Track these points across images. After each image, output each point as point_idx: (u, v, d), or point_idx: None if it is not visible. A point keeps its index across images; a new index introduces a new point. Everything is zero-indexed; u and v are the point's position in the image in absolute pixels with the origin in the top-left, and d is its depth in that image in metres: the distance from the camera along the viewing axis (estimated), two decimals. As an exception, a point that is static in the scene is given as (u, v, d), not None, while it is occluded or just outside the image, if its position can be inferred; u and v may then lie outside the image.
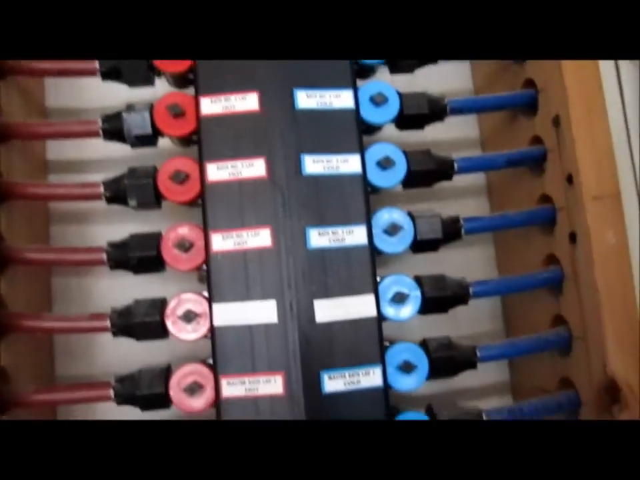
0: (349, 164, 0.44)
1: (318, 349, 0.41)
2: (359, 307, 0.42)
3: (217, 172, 0.43)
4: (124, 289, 0.48)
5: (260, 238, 0.42)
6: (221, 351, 0.41)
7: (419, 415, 0.44)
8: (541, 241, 0.52)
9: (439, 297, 0.45)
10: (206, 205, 0.43)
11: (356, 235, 0.43)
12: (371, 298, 0.43)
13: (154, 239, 0.44)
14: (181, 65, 0.45)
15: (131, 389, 0.43)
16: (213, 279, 0.42)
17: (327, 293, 0.42)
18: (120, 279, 0.53)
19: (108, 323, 0.43)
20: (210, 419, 0.41)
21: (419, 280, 0.45)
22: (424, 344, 0.45)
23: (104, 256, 0.44)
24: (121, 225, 0.50)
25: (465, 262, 0.58)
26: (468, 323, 0.58)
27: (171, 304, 0.43)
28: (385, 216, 0.45)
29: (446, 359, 0.45)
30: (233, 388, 0.41)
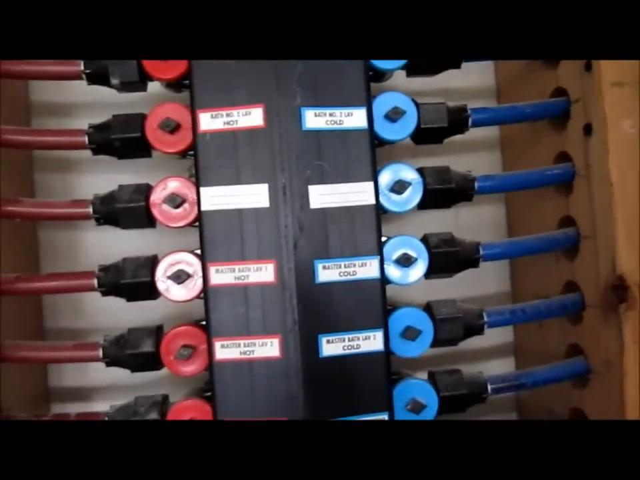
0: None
1: (312, 236, 0.39)
2: (356, 194, 0.40)
3: (205, 46, 0.39)
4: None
5: (252, 117, 0.39)
6: (208, 237, 0.39)
7: (416, 312, 0.42)
8: (552, 138, 0.49)
9: (442, 188, 0.42)
10: (193, 82, 0.39)
11: (355, 118, 0.40)
12: (369, 185, 0.40)
13: (137, 120, 0.41)
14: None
15: (115, 277, 0.41)
16: (200, 160, 0.39)
17: (323, 179, 0.39)
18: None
19: (90, 210, 0.41)
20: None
21: (421, 171, 0.42)
22: (424, 239, 0.43)
23: (85, 139, 0.41)
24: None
25: (470, 164, 0.55)
26: (469, 226, 0.56)
27: (157, 189, 0.40)
28: (387, 99, 0.41)
29: (447, 254, 0.42)
30: (221, 276, 0.39)
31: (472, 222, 0.58)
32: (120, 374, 0.44)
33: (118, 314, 0.49)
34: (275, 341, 0.38)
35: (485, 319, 0.44)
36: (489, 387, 0.43)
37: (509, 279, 0.60)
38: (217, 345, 0.39)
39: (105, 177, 0.47)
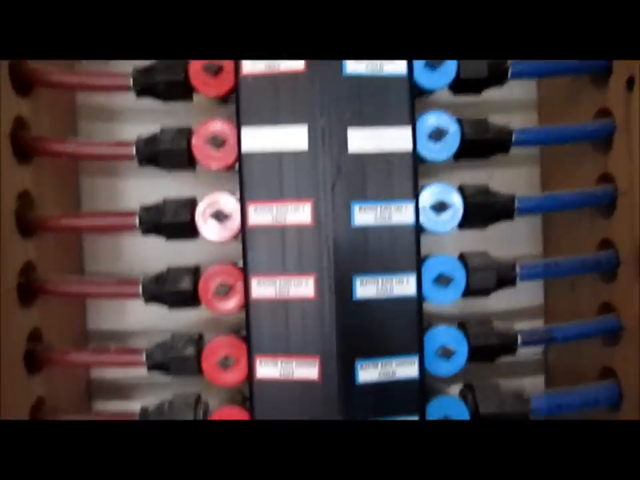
0: None
1: (349, 178, 0.39)
2: (394, 139, 0.40)
3: None
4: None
5: (293, 61, 0.39)
6: (248, 177, 0.40)
7: (449, 259, 0.42)
8: (592, 96, 0.48)
9: (480, 139, 0.43)
10: (237, 26, 0.40)
11: (396, 65, 0.40)
12: (407, 130, 0.40)
13: (181, 64, 0.41)
14: None
15: (156, 217, 0.42)
16: (242, 102, 0.40)
17: (361, 122, 0.40)
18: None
19: (133, 150, 0.42)
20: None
21: (459, 121, 0.43)
22: (460, 189, 0.43)
23: (130, 81, 0.42)
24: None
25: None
26: (503, 179, 0.55)
27: (200, 130, 0.41)
28: (428, 47, 0.42)
29: (482, 204, 0.43)
30: (259, 216, 0.40)
31: (506, 183, 0.57)
32: (156, 317, 0.45)
33: (155, 259, 0.50)
34: (310, 281, 0.39)
35: (518, 270, 0.44)
36: (519, 339, 0.44)
37: (541, 241, 0.59)
38: (254, 282, 0.40)
39: (146, 128, 0.49)
